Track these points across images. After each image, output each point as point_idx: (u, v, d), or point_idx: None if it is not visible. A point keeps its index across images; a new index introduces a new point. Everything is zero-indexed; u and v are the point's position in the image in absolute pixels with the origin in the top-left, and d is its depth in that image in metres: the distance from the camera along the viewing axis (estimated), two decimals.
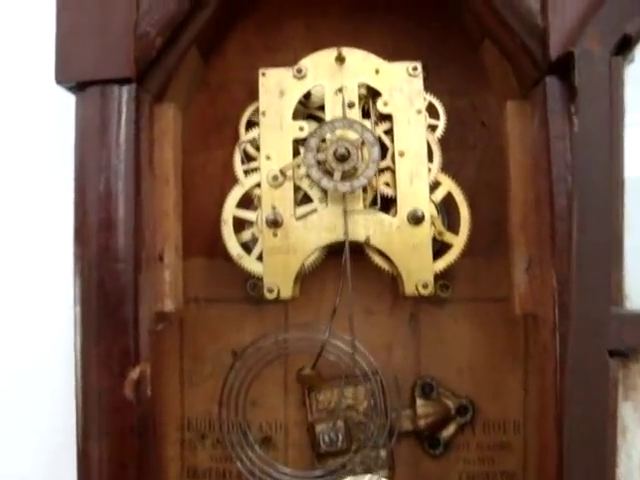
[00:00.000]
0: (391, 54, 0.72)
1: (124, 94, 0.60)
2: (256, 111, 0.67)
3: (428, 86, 0.70)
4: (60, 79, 0.60)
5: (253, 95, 0.68)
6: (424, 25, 0.73)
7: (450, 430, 0.69)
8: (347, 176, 0.63)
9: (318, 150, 0.63)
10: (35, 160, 0.77)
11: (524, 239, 0.62)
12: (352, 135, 0.63)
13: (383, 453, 0.68)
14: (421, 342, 0.71)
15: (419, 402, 0.69)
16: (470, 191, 0.70)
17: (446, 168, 0.68)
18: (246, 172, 0.67)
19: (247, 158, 0.68)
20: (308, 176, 0.64)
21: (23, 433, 0.75)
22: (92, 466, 0.58)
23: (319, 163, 0.63)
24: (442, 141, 0.68)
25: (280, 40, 0.74)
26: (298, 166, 0.65)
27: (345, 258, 0.63)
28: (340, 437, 0.66)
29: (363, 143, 0.63)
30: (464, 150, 0.72)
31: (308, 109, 0.69)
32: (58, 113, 0.72)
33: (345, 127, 0.63)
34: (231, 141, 0.71)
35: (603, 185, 0.53)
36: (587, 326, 0.52)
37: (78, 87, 0.61)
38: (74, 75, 0.60)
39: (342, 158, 0.62)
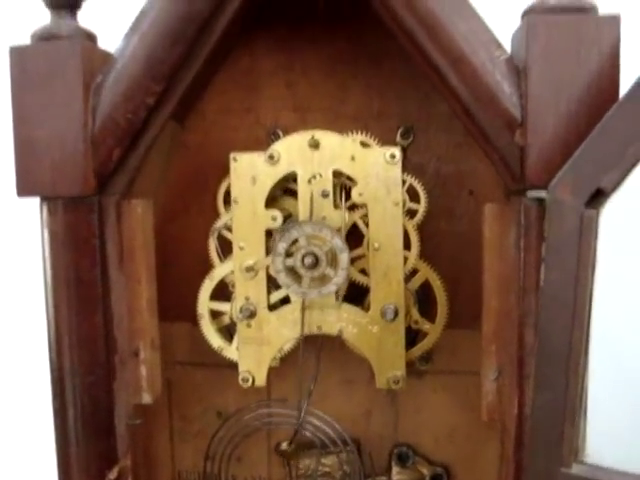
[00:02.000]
0: (376, 114, 0.68)
1: (86, 207, 0.58)
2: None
3: (413, 151, 0.67)
4: (21, 193, 0.59)
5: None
6: (411, 84, 0.67)
7: None
8: (316, 281, 0.61)
9: (287, 255, 0.61)
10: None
11: (495, 348, 0.60)
12: (322, 239, 0.60)
13: None
14: (399, 411, 0.71)
15: (395, 470, 0.70)
16: (454, 263, 0.68)
17: (430, 239, 0.67)
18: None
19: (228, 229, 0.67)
20: None
21: None
22: None
23: (288, 268, 0.61)
24: (427, 210, 0.66)
25: (260, 99, 0.70)
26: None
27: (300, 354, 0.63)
28: None
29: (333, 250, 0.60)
30: (450, 220, 0.68)
31: (284, 182, 0.66)
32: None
33: (315, 231, 0.60)
34: (211, 207, 0.69)
35: (564, 344, 0.51)
36: None
37: (40, 198, 0.59)
38: (34, 190, 0.59)
39: (311, 266, 0.60)
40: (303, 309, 0.63)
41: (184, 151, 0.70)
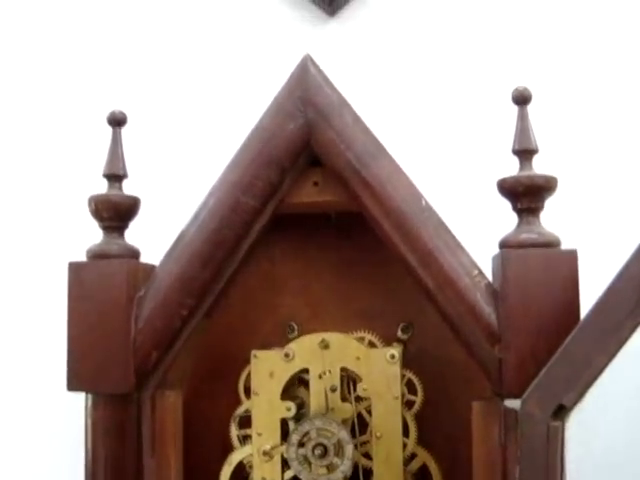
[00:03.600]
0: (380, 312, 0.81)
1: (126, 402, 0.70)
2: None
3: (412, 343, 0.79)
4: (70, 388, 0.71)
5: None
6: (410, 285, 0.79)
7: None
8: (326, 468, 0.72)
9: (299, 445, 0.72)
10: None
11: None
12: (330, 432, 0.72)
13: None
14: None
15: None
16: (450, 445, 0.78)
17: (428, 425, 0.77)
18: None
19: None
20: None
21: None
22: None
23: (300, 457, 0.72)
24: (422, 403, 0.77)
25: (278, 297, 0.83)
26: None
27: None
28: None
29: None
30: (445, 406, 0.80)
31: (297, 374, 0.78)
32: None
33: (324, 425, 0.72)
34: (233, 391, 0.81)
35: None
36: None
37: (86, 392, 0.71)
38: (82, 386, 0.71)
39: (320, 456, 0.71)
40: None
41: (209, 339, 0.83)
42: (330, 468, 0.72)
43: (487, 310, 0.66)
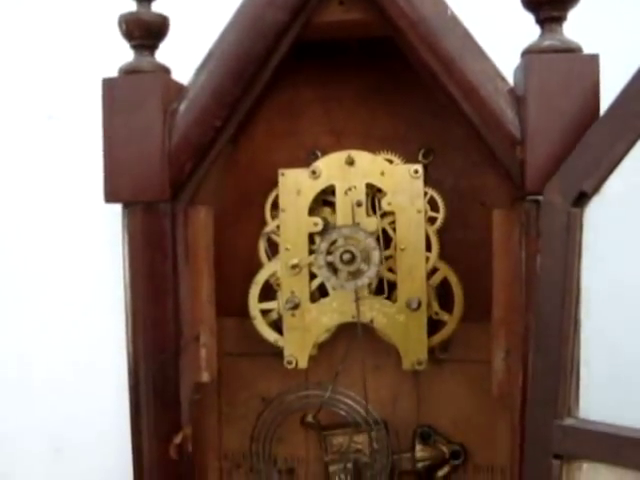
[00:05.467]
0: (401, 137, 0.86)
1: (161, 211, 0.76)
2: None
3: (433, 169, 0.85)
4: (108, 199, 0.77)
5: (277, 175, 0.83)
6: (431, 112, 0.85)
7: (444, 470, 0.88)
8: (352, 275, 0.79)
9: (328, 252, 0.79)
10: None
11: (504, 332, 0.77)
12: (357, 240, 0.78)
13: None
14: (421, 395, 0.88)
15: (418, 447, 0.87)
16: (470, 264, 0.85)
17: (449, 243, 0.84)
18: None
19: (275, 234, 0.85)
20: None
21: None
22: None
23: (328, 264, 0.79)
24: (444, 220, 0.83)
25: (301, 124, 0.88)
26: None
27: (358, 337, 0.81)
28: (349, 478, 0.86)
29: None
30: (465, 226, 0.86)
31: (323, 194, 0.84)
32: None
33: (351, 233, 0.78)
34: (257, 216, 0.87)
35: (557, 318, 0.68)
36: (536, 433, 0.69)
37: (124, 204, 0.77)
38: (120, 197, 0.76)
39: (348, 261, 0.78)
40: (357, 298, 0.80)
41: (235, 168, 0.89)
42: (357, 274, 0.78)
43: (510, 114, 0.72)
